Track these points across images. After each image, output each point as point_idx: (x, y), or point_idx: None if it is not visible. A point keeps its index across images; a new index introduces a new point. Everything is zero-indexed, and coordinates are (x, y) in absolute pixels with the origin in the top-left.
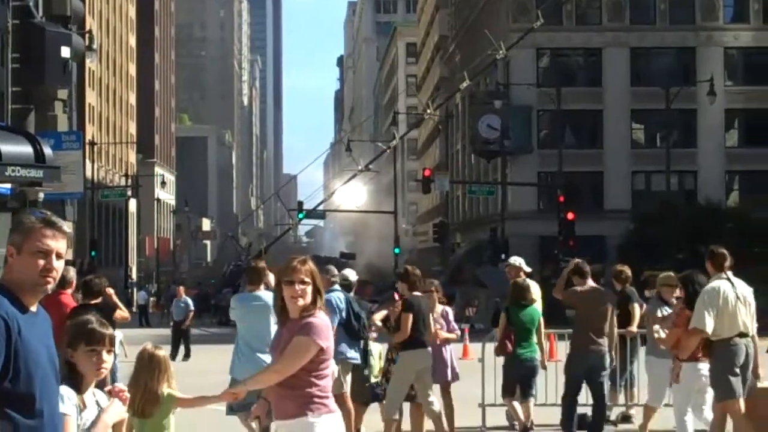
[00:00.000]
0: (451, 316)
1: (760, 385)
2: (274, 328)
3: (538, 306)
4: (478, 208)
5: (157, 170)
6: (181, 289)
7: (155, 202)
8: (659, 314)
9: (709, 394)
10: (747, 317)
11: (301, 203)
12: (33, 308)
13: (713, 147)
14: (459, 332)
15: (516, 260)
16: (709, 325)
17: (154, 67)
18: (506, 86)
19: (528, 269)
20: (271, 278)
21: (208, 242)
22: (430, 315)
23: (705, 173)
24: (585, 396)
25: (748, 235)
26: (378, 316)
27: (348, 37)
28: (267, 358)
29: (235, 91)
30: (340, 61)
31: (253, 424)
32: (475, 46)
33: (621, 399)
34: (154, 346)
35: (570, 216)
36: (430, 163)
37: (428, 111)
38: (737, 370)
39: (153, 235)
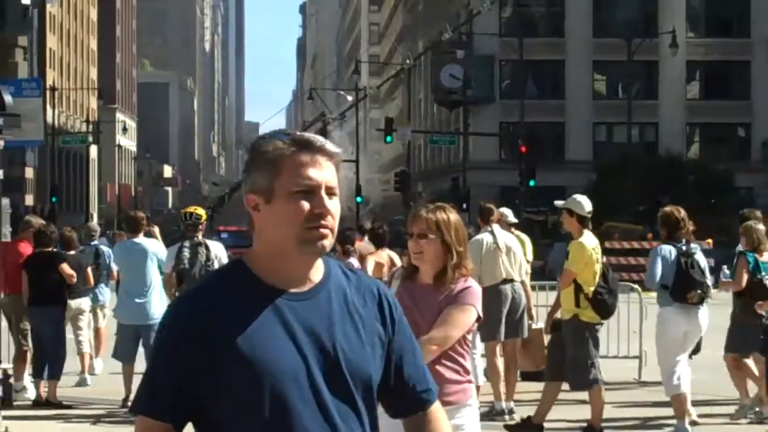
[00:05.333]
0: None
1: (534, 326)
2: (154, 273)
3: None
4: (440, 158)
5: (119, 116)
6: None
7: (116, 148)
8: None
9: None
10: (511, 265)
11: None
12: (304, 284)
13: (674, 99)
14: None
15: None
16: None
17: (115, 11)
18: (469, 36)
19: (514, 220)
20: (156, 230)
21: (169, 189)
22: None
23: (666, 125)
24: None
25: (708, 186)
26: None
27: None
28: (143, 301)
29: (197, 37)
30: (303, 8)
31: None
32: None
33: None
34: None
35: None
36: (392, 112)
37: (408, 61)
38: (500, 315)
39: (114, 182)
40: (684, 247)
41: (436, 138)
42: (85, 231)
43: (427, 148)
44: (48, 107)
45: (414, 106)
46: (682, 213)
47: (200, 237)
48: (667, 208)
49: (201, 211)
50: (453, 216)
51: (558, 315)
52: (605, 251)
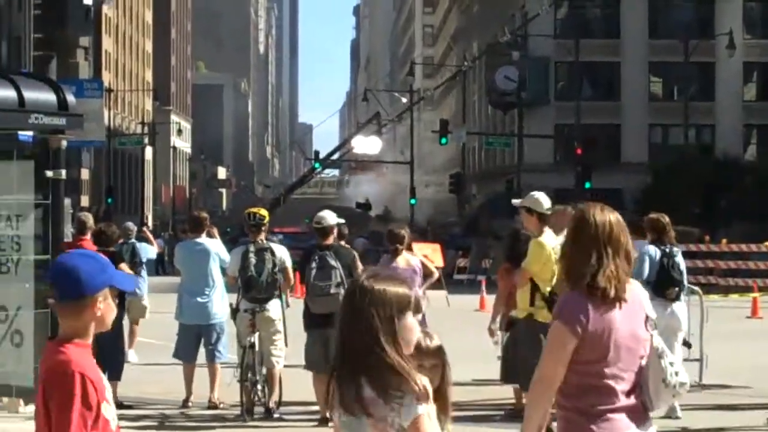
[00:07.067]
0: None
1: None
2: (216, 273)
3: None
4: (494, 160)
5: (173, 118)
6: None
7: (171, 149)
8: None
9: None
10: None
11: (317, 153)
12: None
13: (731, 100)
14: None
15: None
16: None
17: (170, 14)
18: (524, 37)
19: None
20: (215, 230)
21: (223, 190)
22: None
23: (722, 127)
24: None
25: (766, 189)
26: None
27: None
28: (205, 301)
29: (252, 39)
30: (356, 10)
31: None
32: None
33: None
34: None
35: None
36: (446, 113)
37: (465, 62)
38: None
39: (169, 183)
40: (667, 249)
41: (492, 140)
42: (122, 230)
43: (482, 150)
44: (104, 109)
45: (468, 107)
46: (666, 219)
47: (264, 240)
48: (654, 215)
49: (264, 212)
50: (584, 215)
51: (513, 313)
52: None
